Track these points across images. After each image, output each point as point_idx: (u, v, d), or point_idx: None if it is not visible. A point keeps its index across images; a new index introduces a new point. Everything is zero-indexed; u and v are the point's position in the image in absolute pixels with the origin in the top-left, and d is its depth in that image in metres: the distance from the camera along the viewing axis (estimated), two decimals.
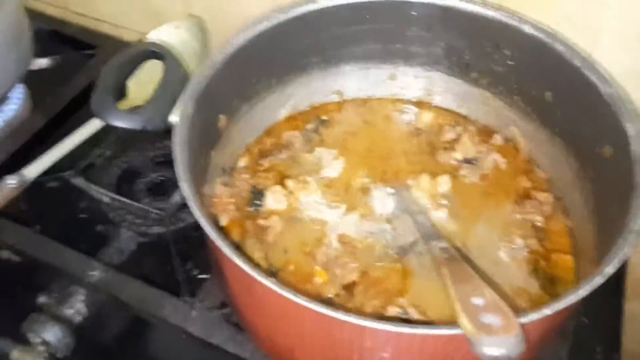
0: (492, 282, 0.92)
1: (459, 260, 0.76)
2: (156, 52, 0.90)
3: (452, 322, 0.65)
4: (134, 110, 0.83)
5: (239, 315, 0.90)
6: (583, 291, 0.69)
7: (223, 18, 1.31)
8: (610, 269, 0.71)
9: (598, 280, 0.70)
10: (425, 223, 0.93)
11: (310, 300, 0.66)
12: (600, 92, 0.90)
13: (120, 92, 0.88)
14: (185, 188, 0.74)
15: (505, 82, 1.08)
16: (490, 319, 0.61)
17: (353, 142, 1.12)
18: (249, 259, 0.91)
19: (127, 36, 1.50)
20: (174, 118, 0.83)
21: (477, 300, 0.63)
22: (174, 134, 0.81)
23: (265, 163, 1.07)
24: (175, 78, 0.88)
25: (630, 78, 1.03)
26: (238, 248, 0.95)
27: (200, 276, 1.06)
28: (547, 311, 0.67)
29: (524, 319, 0.65)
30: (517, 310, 0.68)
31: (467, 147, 1.10)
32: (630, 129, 0.86)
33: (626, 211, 0.81)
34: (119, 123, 0.82)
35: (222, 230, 0.98)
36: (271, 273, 0.93)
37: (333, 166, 1.07)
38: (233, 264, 0.68)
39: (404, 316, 0.87)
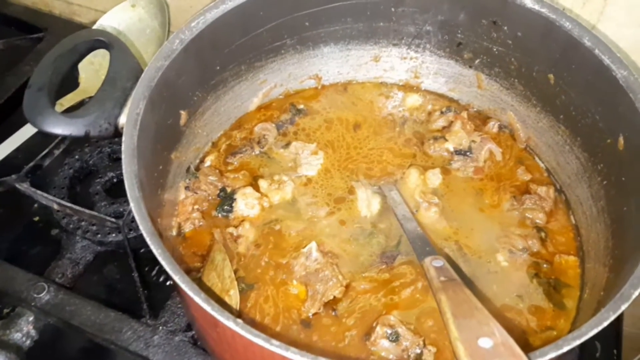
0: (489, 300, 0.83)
1: (459, 283, 0.65)
2: (102, 42, 0.76)
3: None
4: (75, 113, 0.70)
5: (205, 343, 0.80)
6: (607, 322, 0.58)
7: None
8: (635, 291, 0.61)
9: (623, 305, 0.60)
10: (415, 231, 0.82)
11: (270, 341, 0.56)
12: (614, 76, 0.79)
13: (59, 90, 0.74)
14: (135, 211, 0.62)
15: (503, 62, 0.96)
16: None
17: (333, 134, 1.00)
18: (218, 276, 0.80)
19: (81, 15, 1.35)
20: (123, 120, 0.71)
21: (485, 342, 0.53)
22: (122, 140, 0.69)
23: (235, 161, 0.95)
24: (124, 71, 0.75)
25: (637, 51, 0.94)
26: (203, 263, 0.83)
27: (168, 283, 0.96)
28: (566, 347, 0.57)
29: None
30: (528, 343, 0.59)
31: (459, 136, 0.99)
32: None
33: None
34: (56, 129, 0.69)
35: (186, 241, 0.86)
36: (244, 290, 0.82)
37: (311, 163, 0.95)
38: (198, 306, 0.57)
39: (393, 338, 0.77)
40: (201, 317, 0.67)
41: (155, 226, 0.65)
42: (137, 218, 0.63)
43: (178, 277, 0.58)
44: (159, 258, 0.60)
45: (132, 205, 0.63)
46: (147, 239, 0.61)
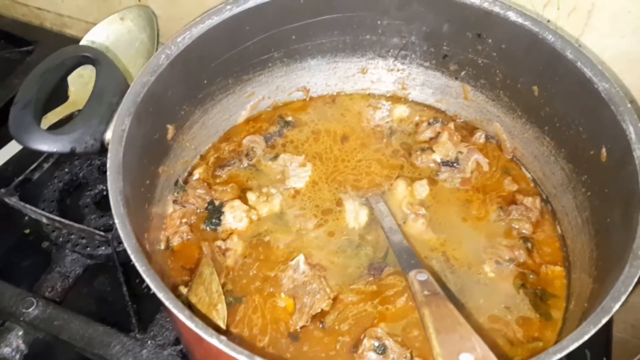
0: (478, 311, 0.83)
1: (442, 297, 0.66)
2: (88, 57, 0.77)
3: None
4: (60, 130, 0.71)
5: (193, 358, 0.80)
6: (588, 335, 0.59)
7: (175, 7, 1.19)
8: (615, 304, 0.62)
9: (604, 319, 0.61)
10: (400, 244, 0.82)
11: (254, 358, 0.56)
12: (597, 88, 0.80)
13: (46, 105, 0.75)
14: (120, 229, 0.62)
15: (488, 74, 0.97)
16: None
17: (321, 146, 1.01)
18: (205, 291, 0.80)
19: (72, 27, 1.36)
20: (109, 136, 0.71)
21: (467, 358, 0.53)
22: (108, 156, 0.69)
23: (223, 174, 0.96)
24: (110, 86, 0.75)
25: (621, 61, 0.94)
26: (191, 276, 0.84)
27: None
28: None
29: None
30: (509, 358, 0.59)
31: (446, 147, 0.99)
32: (632, 130, 0.76)
33: (629, 226, 0.72)
34: (41, 146, 0.69)
35: (174, 254, 0.87)
36: (232, 303, 0.82)
37: (299, 175, 0.96)
38: (184, 325, 0.57)
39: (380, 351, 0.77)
40: (187, 332, 0.67)
41: (140, 242, 0.65)
42: (121, 235, 0.63)
43: (162, 295, 0.59)
44: (144, 275, 0.60)
45: (116, 222, 0.64)
46: (132, 256, 0.61)
